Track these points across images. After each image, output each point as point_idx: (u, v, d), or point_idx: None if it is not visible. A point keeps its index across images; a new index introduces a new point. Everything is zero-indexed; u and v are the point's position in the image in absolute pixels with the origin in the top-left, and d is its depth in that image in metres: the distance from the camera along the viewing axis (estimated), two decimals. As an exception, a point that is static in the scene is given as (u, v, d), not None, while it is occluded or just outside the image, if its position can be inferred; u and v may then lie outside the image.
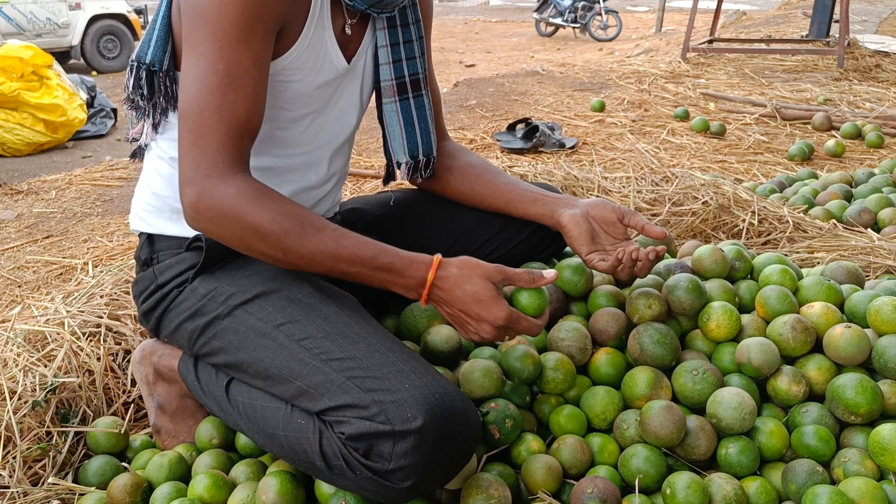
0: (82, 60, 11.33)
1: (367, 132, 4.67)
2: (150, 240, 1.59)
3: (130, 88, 1.51)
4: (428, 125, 1.72)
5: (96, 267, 2.60)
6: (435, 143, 1.75)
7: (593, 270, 1.82)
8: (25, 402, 1.67)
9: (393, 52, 1.63)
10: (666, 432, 1.49)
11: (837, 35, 6.85)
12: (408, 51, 1.65)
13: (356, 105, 1.68)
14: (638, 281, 1.87)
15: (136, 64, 1.48)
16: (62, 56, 10.47)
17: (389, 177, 1.79)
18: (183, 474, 1.59)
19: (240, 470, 1.55)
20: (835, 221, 2.75)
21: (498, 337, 1.43)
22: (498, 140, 4.50)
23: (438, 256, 1.40)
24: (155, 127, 1.54)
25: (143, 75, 1.47)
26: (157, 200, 1.58)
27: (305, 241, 1.33)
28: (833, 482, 1.47)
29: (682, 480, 1.43)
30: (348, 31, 1.55)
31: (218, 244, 1.51)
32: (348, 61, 1.58)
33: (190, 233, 1.55)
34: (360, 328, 1.40)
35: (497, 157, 4.10)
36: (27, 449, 1.60)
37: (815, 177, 3.56)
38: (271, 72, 1.44)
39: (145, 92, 1.49)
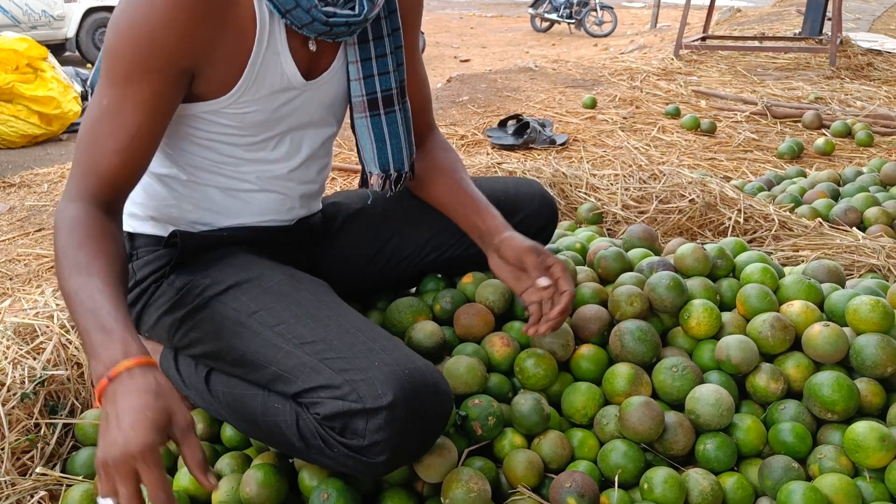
0: (77, 53, 11.29)
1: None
2: (129, 237, 1.62)
3: None
4: (400, 141, 1.66)
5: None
6: (409, 157, 1.69)
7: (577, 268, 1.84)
8: (14, 395, 1.69)
9: (364, 67, 1.57)
10: (644, 428, 1.52)
11: (830, 33, 6.86)
12: (380, 66, 1.59)
13: (330, 116, 1.66)
14: (621, 278, 1.89)
15: (89, 89, 1.51)
16: (57, 48, 10.43)
17: (365, 181, 1.74)
18: (168, 466, 1.61)
19: (224, 462, 1.57)
20: (820, 220, 2.78)
21: (106, 472, 1.09)
22: (489, 136, 4.52)
23: (146, 358, 1.18)
24: None
25: (89, 93, 1.50)
26: (133, 206, 1.61)
27: (70, 279, 1.26)
28: (809, 478, 1.50)
29: (659, 475, 1.46)
30: (312, 46, 1.49)
31: (193, 239, 1.57)
32: (318, 75, 1.54)
33: (166, 232, 1.58)
34: (331, 311, 1.44)
35: (488, 154, 4.12)
36: (15, 440, 1.62)
37: (804, 175, 3.58)
38: (220, 107, 1.45)
39: None
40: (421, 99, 1.78)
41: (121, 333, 1.17)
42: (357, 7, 1.44)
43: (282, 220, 1.68)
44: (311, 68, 1.52)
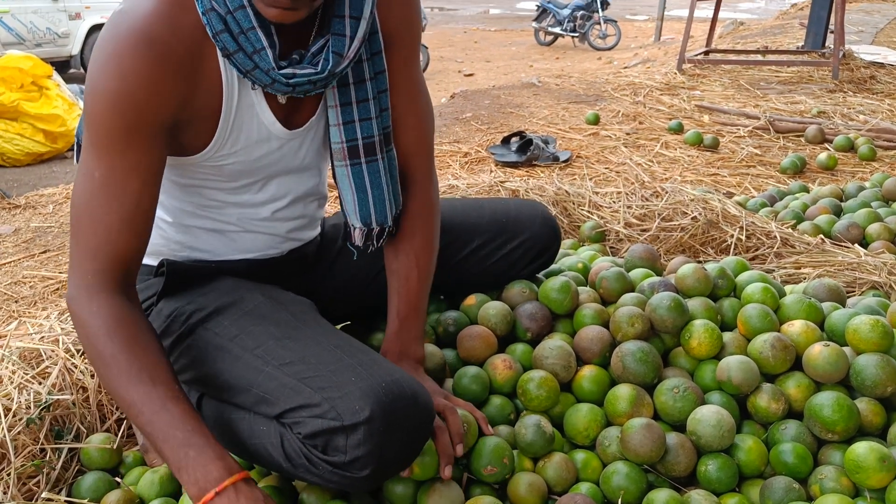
0: (82, 70, 11.34)
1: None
2: None
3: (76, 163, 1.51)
4: (383, 192, 1.58)
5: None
6: (392, 211, 1.60)
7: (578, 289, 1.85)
8: (20, 419, 1.70)
9: (343, 112, 1.49)
10: (645, 450, 1.53)
11: (833, 46, 6.88)
12: (361, 111, 1.50)
13: (320, 160, 1.64)
14: (622, 299, 1.90)
15: (76, 141, 1.49)
16: (62, 66, 10.50)
17: (348, 235, 1.65)
18: (174, 491, 1.62)
19: None
20: (822, 237, 2.78)
21: None
22: (492, 153, 4.54)
23: (242, 473, 1.27)
24: None
25: (76, 150, 1.47)
26: None
27: (130, 388, 1.28)
28: (810, 499, 1.50)
29: (661, 497, 1.46)
30: (282, 100, 1.46)
31: (179, 268, 1.58)
32: (304, 122, 1.52)
33: (156, 262, 1.60)
34: (311, 330, 1.45)
35: (491, 171, 4.13)
36: (21, 466, 1.63)
37: (807, 190, 3.58)
38: (200, 160, 1.45)
39: None
40: (418, 136, 1.65)
41: (214, 449, 1.26)
42: (321, 64, 1.36)
43: (271, 253, 1.69)
44: (292, 117, 1.50)
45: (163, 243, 1.61)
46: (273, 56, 1.31)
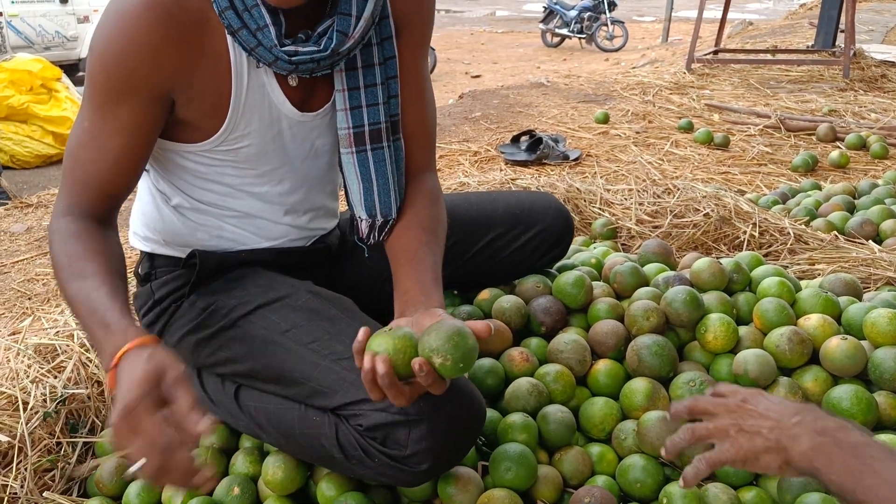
0: (91, 73, 11.41)
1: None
2: (148, 257, 1.65)
3: None
4: (388, 182, 1.53)
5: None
6: (396, 202, 1.56)
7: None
8: (36, 413, 1.71)
9: (350, 97, 1.47)
10: (662, 443, 1.52)
11: (843, 45, 6.85)
12: (369, 96, 1.47)
13: (332, 150, 1.61)
14: (637, 293, 1.90)
15: None
16: (71, 68, 10.52)
17: (353, 228, 1.61)
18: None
19: (239, 459, 1.63)
20: (836, 233, 2.77)
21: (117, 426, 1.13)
22: (502, 152, 4.53)
23: (143, 339, 1.21)
24: None
25: None
26: (150, 232, 1.63)
27: (69, 283, 1.32)
28: (827, 492, 1.49)
29: (678, 490, 1.45)
30: (293, 82, 1.46)
31: (211, 258, 1.59)
32: (319, 106, 1.51)
33: (184, 254, 1.60)
34: (361, 326, 1.44)
35: (501, 170, 4.13)
36: (38, 460, 1.63)
37: (819, 188, 3.56)
38: (213, 145, 1.46)
39: None
40: (423, 129, 1.62)
41: (117, 324, 1.22)
42: (324, 42, 1.35)
43: (296, 243, 1.69)
44: (307, 101, 1.49)
45: (188, 233, 1.60)
46: (276, 33, 1.32)
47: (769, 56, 8.03)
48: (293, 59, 1.34)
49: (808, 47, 8.17)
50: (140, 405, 1.11)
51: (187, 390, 1.14)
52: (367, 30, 1.39)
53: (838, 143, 4.62)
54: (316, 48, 1.35)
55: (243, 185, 1.55)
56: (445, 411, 1.31)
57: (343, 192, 1.62)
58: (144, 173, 1.58)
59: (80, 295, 1.28)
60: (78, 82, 8.43)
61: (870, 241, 2.69)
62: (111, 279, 1.31)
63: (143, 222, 1.64)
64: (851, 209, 3.10)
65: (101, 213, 1.41)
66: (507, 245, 1.91)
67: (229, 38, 1.36)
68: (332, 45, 1.35)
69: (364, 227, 1.58)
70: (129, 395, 1.11)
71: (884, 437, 1.47)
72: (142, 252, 1.67)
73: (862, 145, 4.46)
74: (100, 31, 1.32)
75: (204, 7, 1.32)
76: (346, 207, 1.65)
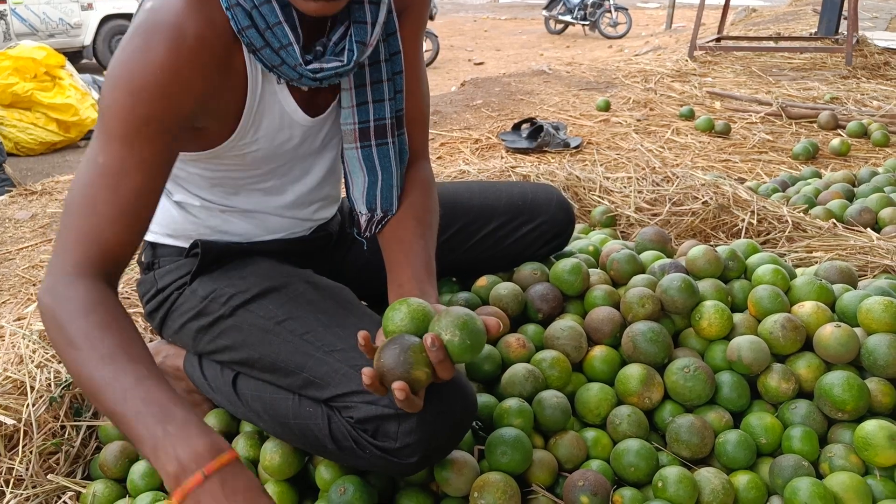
0: (94, 60, 11.42)
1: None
2: (151, 246, 1.67)
3: None
4: (391, 177, 1.53)
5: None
6: (397, 198, 1.56)
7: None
8: (41, 397, 1.74)
9: (357, 94, 1.46)
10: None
11: (846, 32, 6.84)
12: (375, 93, 1.47)
13: (336, 143, 1.63)
14: (633, 280, 1.92)
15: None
16: (74, 56, 10.55)
17: (352, 221, 1.63)
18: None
19: (240, 443, 1.65)
20: (834, 221, 2.78)
21: None
22: (503, 140, 4.54)
23: (232, 453, 1.12)
24: None
25: None
26: (154, 225, 1.61)
27: (102, 367, 1.13)
28: (820, 477, 1.52)
29: (673, 474, 1.48)
30: (305, 88, 1.44)
31: (213, 248, 1.60)
32: (326, 107, 1.51)
33: (187, 244, 1.63)
34: (357, 318, 1.48)
35: (502, 158, 4.14)
36: (43, 444, 1.66)
37: (819, 176, 3.57)
38: (221, 151, 1.44)
39: None
40: (419, 115, 1.62)
41: (199, 426, 1.10)
42: (346, 55, 1.34)
43: (298, 233, 1.71)
44: (314, 104, 1.49)
45: (192, 228, 1.62)
46: (299, 51, 1.29)
47: (772, 43, 8.02)
48: (317, 75, 1.32)
49: (811, 34, 8.15)
50: None
51: None
52: (380, 34, 1.40)
53: (839, 131, 4.62)
54: (339, 62, 1.33)
55: (248, 183, 1.57)
56: (435, 406, 1.31)
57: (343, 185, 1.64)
58: None
59: (125, 380, 1.11)
60: (82, 69, 8.45)
61: (868, 229, 2.71)
62: (158, 370, 1.17)
63: None
64: (851, 197, 3.11)
65: (113, 273, 1.27)
66: (508, 235, 1.93)
67: (247, 53, 1.33)
68: (355, 58, 1.34)
69: (363, 220, 1.58)
70: None
71: (874, 422, 1.49)
72: (145, 241, 1.68)
73: (863, 133, 4.46)
74: (124, 60, 1.23)
75: (228, 24, 1.27)
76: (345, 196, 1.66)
